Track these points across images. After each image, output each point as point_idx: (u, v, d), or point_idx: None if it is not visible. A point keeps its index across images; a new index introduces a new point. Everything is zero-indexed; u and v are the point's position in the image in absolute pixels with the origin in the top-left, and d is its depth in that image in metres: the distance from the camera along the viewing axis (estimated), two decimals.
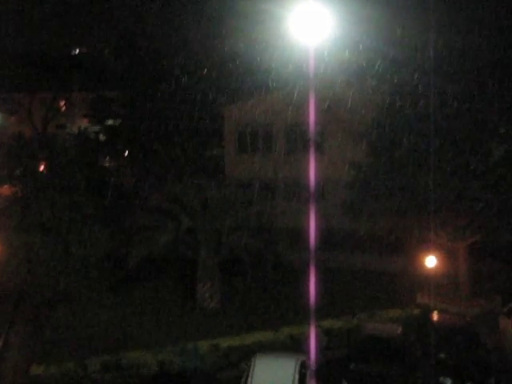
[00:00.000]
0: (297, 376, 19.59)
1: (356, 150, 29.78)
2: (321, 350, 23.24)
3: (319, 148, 34.11)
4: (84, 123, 59.21)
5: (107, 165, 49.74)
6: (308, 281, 22.68)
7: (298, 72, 32.72)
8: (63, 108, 69.94)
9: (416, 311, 27.74)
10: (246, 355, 22.66)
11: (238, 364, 22.86)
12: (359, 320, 26.29)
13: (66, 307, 28.24)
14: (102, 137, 53.50)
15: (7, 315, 27.95)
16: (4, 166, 45.13)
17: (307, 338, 22.57)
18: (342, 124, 33.79)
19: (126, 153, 50.29)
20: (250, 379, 19.77)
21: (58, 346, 24.80)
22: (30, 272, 27.30)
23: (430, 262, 27.61)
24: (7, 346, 25.28)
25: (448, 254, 28.98)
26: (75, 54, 78.73)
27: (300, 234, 24.46)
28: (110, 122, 53.96)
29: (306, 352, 21.40)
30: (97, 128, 54.67)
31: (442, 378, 21.02)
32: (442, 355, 22.06)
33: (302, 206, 30.84)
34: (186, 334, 25.49)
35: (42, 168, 40.21)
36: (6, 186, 45.01)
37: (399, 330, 23.70)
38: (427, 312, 26.71)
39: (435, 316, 25.83)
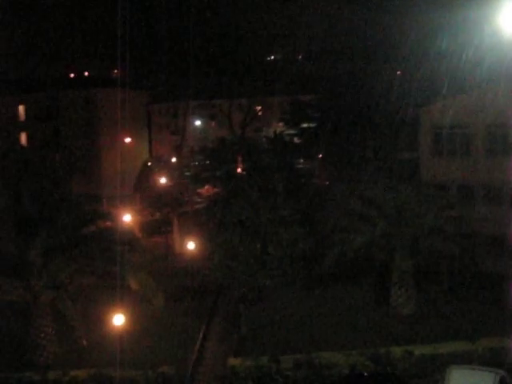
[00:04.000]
0: None
1: None
2: None
3: None
4: (279, 127, 60.96)
5: (302, 167, 50.67)
6: (510, 291, 21.39)
7: (499, 70, 31.01)
8: (260, 112, 72.66)
9: None
10: (440, 365, 21.90)
11: (432, 374, 22.15)
12: None
13: (261, 304, 29.25)
14: (296, 139, 54.67)
15: (208, 308, 29.62)
16: (205, 168, 47.98)
17: (508, 353, 21.30)
18: None
19: (321, 155, 50.96)
20: None
21: (253, 340, 25.75)
22: (230, 268, 28.62)
23: None
24: (207, 337, 26.76)
25: None
26: (271, 60, 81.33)
27: (502, 241, 23.16)
28: (304, 125, 55.01)
29: (507, 367, 20.20)
30: (292, 131, 55.99)
31: None
32: None
33: (504, 212, 29.18)
34: (378, 338, 25.21)
35: (240, 170, 42.05)
36: (206, 187, 47.83)
37: None
38: None
39: None
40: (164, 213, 43.99)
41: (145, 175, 63.18)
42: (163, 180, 49.25)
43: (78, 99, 65.92)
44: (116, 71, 76.34)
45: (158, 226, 44.75)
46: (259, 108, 72.15)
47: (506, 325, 21.73)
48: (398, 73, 45.54)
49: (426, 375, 22.47)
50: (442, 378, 20.06)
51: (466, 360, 22.37)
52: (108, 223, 28.14)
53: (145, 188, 55.84)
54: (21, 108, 67.30)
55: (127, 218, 39.60)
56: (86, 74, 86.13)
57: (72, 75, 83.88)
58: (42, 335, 24.42)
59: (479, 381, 19.30)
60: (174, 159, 68.73)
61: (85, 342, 24.33)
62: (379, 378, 21.92)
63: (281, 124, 61.07)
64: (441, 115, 35.18)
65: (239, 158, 41.07)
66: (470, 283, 28.07)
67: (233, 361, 23.84)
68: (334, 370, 22.91)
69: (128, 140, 63.88)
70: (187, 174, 51.36)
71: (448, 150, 35.47)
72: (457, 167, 34.51)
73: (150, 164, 68.13)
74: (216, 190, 34.59)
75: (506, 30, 15.20)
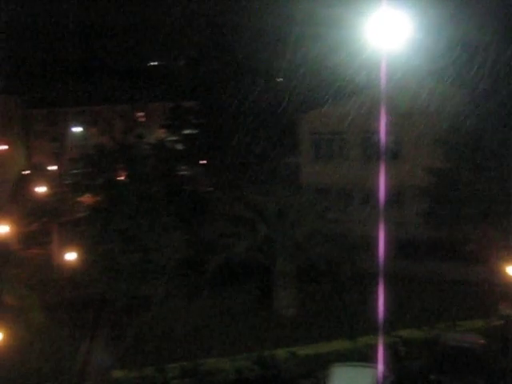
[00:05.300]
0: None
1: (435, 156, 29.18)
2: (399, 360, 22.89)
3: (396, 155, 33.61)
4: (161, 133, 60.46)
5: (184, 173, 50.46)
6: (384, 289, 22.34)
7: (374, 78, 32.37)
8: (141, 119, 71.84)
9: (499, 322, 26.83)
10: (324, 364, 22.52)
11: (316, 373, 22.74)
12: (439, 330, 25.65)
13: (145, 313, 28.83)
14: (179, 146, 54.37)
15: (90, 321, 28.82)
16: (86, 176, 46.72)
17: (384, 348, 22.23)
18: (420, 130, 33.17)
19: (204, 161, 50.96)
20: None
21: (138, 351, 25.35)
22: (111, 279, 27.98)
23: None
24: (91, 350, 26.04)
25: None
26: (152, 66, 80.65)
27: (376, 242, 24.17)
28: (186, 131, 54.83)
29: (384, 362, 21.08)
30: (174, 137, 55.64)
31: None
32: None
33: (377, 214, 30.47)
34: (263, 341, 25.56)
35: (121, 177, 41.24)
36: (86, 196, 46.58)
37: (481, 341, 22.99)
38: (511, 323, 25.79)
39: None
40: (43, 223, 42.45)
41: (22, 184, 60.72)
42: (42, 189, 47.53)
43: None
44: None
45: (36, 237, 43.08)
46: (141, 114, 71.37)
47: (381, 321, 22.66)
48: (279, 80, 46.45)
49: (309, 375, 23.03)
50: (325, 376, 20.65)
51: (347, 357, 23.18)
52: None
53: (22, 197, 53.65)
54: None
55: (2, 229, 37.86)
56: None
57: None
58: None
59: (360, 377, 20.10)
60: (53, 167, 66.53)
61: None
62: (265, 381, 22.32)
63: (163, 130, 60.57)
64: (319, 121, 36.33)
65: (120, 165, 40.30)
66: (350, 283, 29.10)
67: (117, 373, 23.38)
68: (221, 376, 23.04)
69: (2, 147, 61.08)
70: (67, 182, 49.86)
71: (327, 155, 36.71)
72: (335, 172, 35.75)
73: (27, 172, 65.57)
74: (96, 198, 33.67)
75: (372, 41, 16.05)
